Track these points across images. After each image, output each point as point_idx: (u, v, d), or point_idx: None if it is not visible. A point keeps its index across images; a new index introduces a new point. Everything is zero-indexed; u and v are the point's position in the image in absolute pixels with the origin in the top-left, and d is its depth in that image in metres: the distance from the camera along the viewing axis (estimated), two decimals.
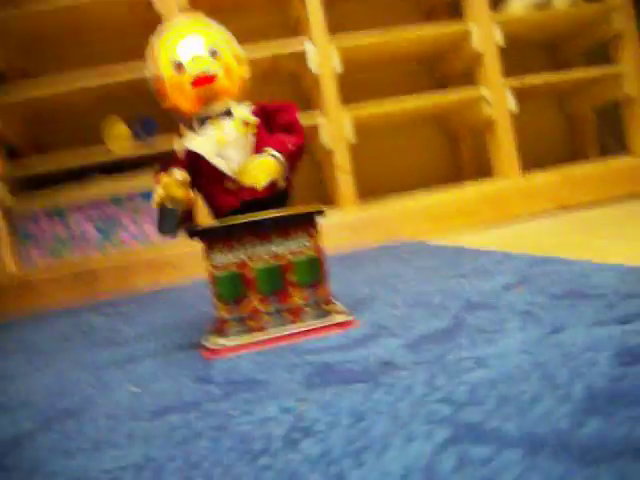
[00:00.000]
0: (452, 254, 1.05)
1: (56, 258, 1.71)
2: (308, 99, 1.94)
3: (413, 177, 2.08)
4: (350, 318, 0.61)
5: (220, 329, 0.60)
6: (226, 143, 0.63)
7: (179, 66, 0.64)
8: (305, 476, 0.29)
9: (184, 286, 1.44)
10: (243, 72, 0.68)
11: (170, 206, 0.59)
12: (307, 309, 0.60)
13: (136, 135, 1.67)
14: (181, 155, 0.66)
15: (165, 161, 0.67)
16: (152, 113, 1.74)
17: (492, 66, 1.76)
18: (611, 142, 2.11)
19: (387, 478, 0.27)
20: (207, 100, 0.64)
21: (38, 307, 1.60)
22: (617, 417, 0.29)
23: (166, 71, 0.65)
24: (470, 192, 1.71)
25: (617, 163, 1.82)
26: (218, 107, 0.65)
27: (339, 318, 0.60)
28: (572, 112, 2.14)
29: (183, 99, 0.65)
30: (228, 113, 0.65)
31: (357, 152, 1.74)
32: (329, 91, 1.72)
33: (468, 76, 1.86)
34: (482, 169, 1.97)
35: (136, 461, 0.34)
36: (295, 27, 1.94)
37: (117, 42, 1.93)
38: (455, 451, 0.28)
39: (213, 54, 0.64)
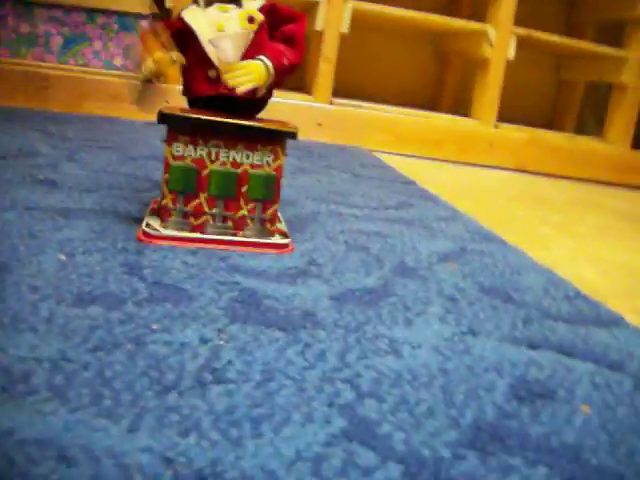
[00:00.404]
0: (405, 189, 1.07)
1: (13, 54, 1.63)
2: None
3: (393, 89, 2.05)
4: (287, 241, 0.62)
5: (161, 216, 0.60)
6: (224, 31, 0.60)
7: None
8: (206, 432, 0.30)
9: (136, 124, 1.41)
10: None
11: (156, 83, 0.58)
12: (250, 223, 0.61)
13: None
14: (176, 21, 0.63)
15: (160, 22, 0.64)
16: None
17: (507, 5, 1.71)
18: (590, 121, 2.12)
19: (278, 459, 0.29)
20: None
21: None
22: (491, 461, 0.31)
23: None
24: (442, 124, 1.71)
25: (587, 144, 1.84)
26: None
27: (278, 239, 0.61)
28: (565, 79, 2.12)
29: None
30: (237, 1, 0.62)
31: (346, 44, 1.69)
32: None
33: (481, 6, 1.81)
34: (460, 103, 1.96)
35: (51, 356, 0.35)
36: None
37: None
38: (344, 449, 0.31)
39: None
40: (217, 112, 0.61)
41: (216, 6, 0.61)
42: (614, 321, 0.56)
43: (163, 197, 0.59)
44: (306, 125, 1.63)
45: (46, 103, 1.57)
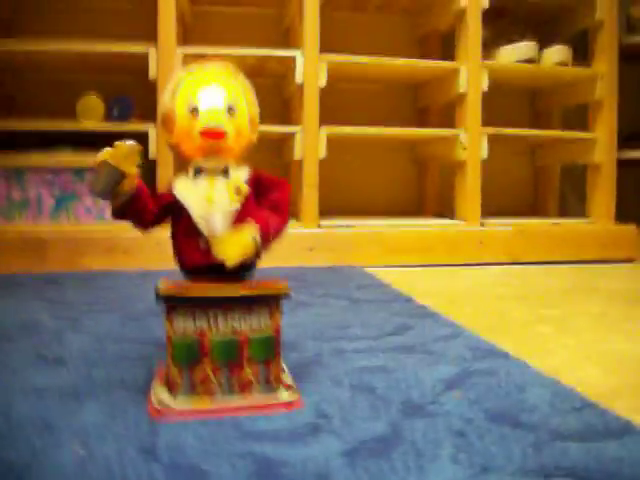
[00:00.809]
0: (403, 308, 1.09)
1: (8, 221, 1.68)
2: (288, 103, 1.95)
3: (377, 198, 2.12)
4: (296, 397, 0.63)
5: (170, 389, 0.61)
6: (214, 202, 0.64)
7: (194, 111, 0.64)
8: None
9: (130, 275, 1.44)
10: (253, 137, 0.68)
11: (112, 165, 0.61)
12: (256, 384, 0.62)
13: (110, 114, 1.65)
14: (167, 194, 0.67)
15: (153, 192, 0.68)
16: (131, 95, 1.73)
17: (473, 109, 1.80)
18: (572, 200, 2.18)
19: None
20: (210, 153, 0.65)
21: None
22: None
23: (180, 110, 0.65)
24: (428, 230, 1.75)
25: (572, 226, 1.88)
26: (217, 163, 0.65)
27: (285, 396, 0.63)
28: (541, 165, 2.20)
29: (188, 143, 0.65)
30: (225, 171, 0.66)
31: (324, 164, 1.76)
32: (310, 104, 1.73)
33: (449, 110, 1.90)
34: (444, 205, 2.02)
35: None
36: (286, 33, 1.95)
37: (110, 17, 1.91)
38: None
39: (230, 111, 0.65)
40: (209, 279, 0.63)
41: (204, 176, 0.65)
42: (624, 429, 0.57)
43: (169, 370, 0.61)
44: (298, 251, 1.67)
45: (43, 264, 1.61)
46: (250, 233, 0.61)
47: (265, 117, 1.90)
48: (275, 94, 2.04)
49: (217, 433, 0.56)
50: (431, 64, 1.85)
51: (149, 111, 1.69)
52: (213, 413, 0.61)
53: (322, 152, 1.73)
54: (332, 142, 1.74)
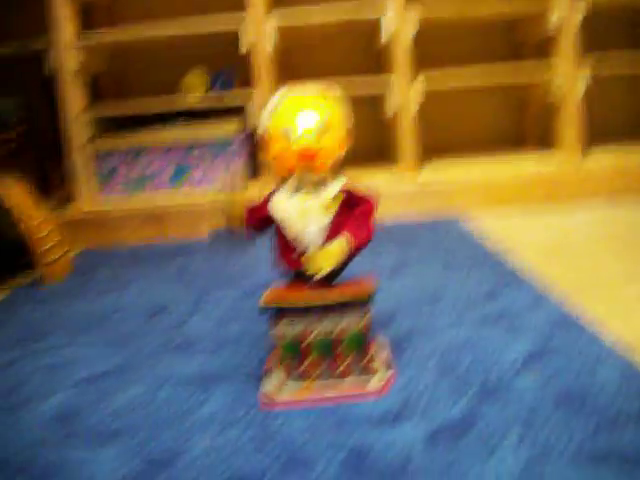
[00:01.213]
0: (494, 271, 1.16)
1: (130, 196, 1.85)
2: (379, 56, 1.98)
3: (475, 139, 2.13)
4: (386, 379, 0.74)
5: (277, 381, 0.74)
6: (307, 217, 0.74)
7: (289, 132, 0.72)
8: None
9: None
10: (342, 152, 0.76)
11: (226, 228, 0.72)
12: (349, 375, 0.73)
13: (214, 87, 1.76)
14: (265, 205, 0.77)
15: (253, 208, 0.78)
16: (233, 68, 1.83)
17: (569, 44, 1.76)
18: None
19: None
20: (304, 170, 0.73)
21: (110, 241, 1.76)
22: None
23: (277, 130, 0.73)
24: (528, 171, 1.77)
25: None
26: (311, 179, 0.74)
27: (376, 382, 0.73)
28: None
29: (285, 161, 0.74)
30: (319, 184, 0.74)
31: (421, 109, 1.79)
32: (401, 56, 1.76)
33: (545, 46, 1.87)
34: (544, 138, 2.00)
35: None
36: None
37: None
38: None
39: (323, 133, 0.72)
40: (307, 280, 0.74)
41: (301, 195, 0.74)
42: None
43: (277, 367, 0.73)
44: (397, 202, 1.75)
45: (165, 235, 1.77)
46: (339, 247, 0.71)
47: (359, 68, 1.93)
48: (367, 45, 2.06)
49: (316, 421, 0.68)
50: (522, 6, 1.81)
51: (250, 79, 1.79)
52: (313, 402, 0.72)
53: (417, 103, 1.77)
54: (428, 88, 1.77)
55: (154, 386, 0.81)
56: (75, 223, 1.77)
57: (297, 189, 0.75)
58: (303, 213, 0.74)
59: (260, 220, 0.77)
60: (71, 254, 1.53)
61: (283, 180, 0.77)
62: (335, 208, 0.74)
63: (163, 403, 0.76)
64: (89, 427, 0.71)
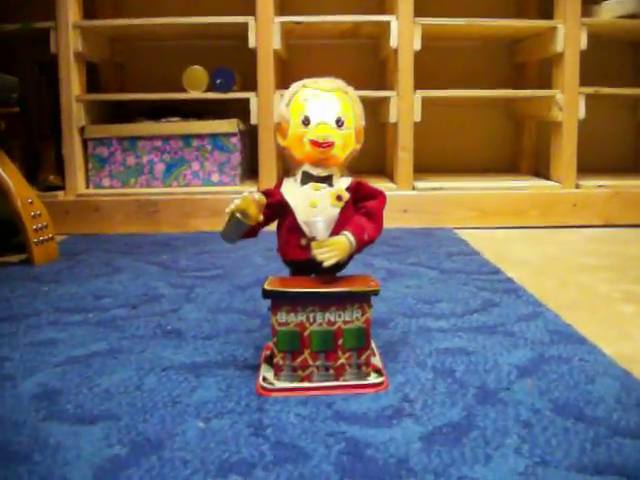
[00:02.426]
0: (490, 281, 1.15)
1: (123, 185, 1.83)
2: (384, 64, 1.98)
3: (472, 157, 2.14)
4: (382, 380, 0.72)
5: (274, 371, 0.72)
6: (316, 207, 0.73)
7: (306, 121, 0.73)
8: None
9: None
10: (357, 147, 0.76)
11: (240, 217, 0.70)
12: (349, 368, 0.72)
13: (214, 85, 1.75)
14: (277, 191, 0.76)
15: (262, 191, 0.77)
16: (232, 63, 1.82)
17: (571, 69, 1.78)
18: None
19: None
20: (318, 160, 0.73)
21: (101, 228, 1.74)
22: None
23: (294, 118, 0.74)
24: (524, 192, 1.78)
25: None
26: (323, 171, 0.74)
27: (374, 379, 0.72)
28: None
29: (299, 149, 0.74)
30: (329, 178, 0.74)
31: (420, 123, 1.79)
32: (405, 68, 1.76)
33: (547, 66, 1.88)
34: (540, 162, 2.01)
35: None
36: None
37: None
38: None
39: (339, 123, 0.73)
40: (308, 275, 0.73)
41: (311, 185, 0.74)
42: None
43: (275, 356, 0.71)
44: (392, 213, 1.74)
45: (157, 226, 1.76)
46: (347, 239, 0.70)
47: (361, 78, 1.97)
48: (371, 54, 2.07)
49: (313, 412, 0.66)
50: (528, 23, 1.83)
51: (250, 78, 1.78)
52: (310, 392, 0.70)
53: (417, 116, 1.77)
54: (427, 102, 1.78)
55: (142, 371, 0.79)
56: (66, 207, 1.75)
57: (306, 181, 0.74)
58: (313, 203, 0.73)
59: (270, 207, 0.75)
60: (61, 237, 1.51)
61: (293, 170, 0.76)
62: (346, 199, 0.73)
63: (152, 388, 0.74)
64: (72, 408, 0.69)
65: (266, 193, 0.76)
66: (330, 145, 0.72)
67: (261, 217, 0.72)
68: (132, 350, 0.86)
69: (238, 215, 0.70)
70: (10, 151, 1.60)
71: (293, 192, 0.75)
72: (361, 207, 0.75)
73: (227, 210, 0.71)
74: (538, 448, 0.58)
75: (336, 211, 0.73)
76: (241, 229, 0.71)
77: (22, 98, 1.40)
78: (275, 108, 1.69)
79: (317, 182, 0.74)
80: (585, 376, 0.74)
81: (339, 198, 0.73)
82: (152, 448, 0.60)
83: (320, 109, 0.73)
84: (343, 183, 0.75)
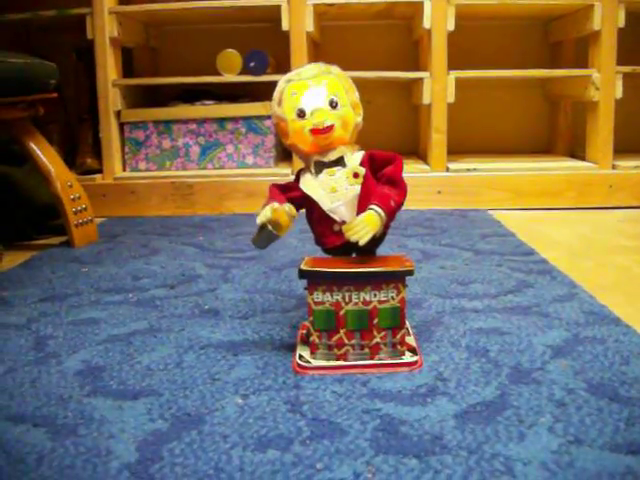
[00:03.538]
0: (525, 262, 1.15)
1: (159, 168, 1.86)
2: (417, 44, 1.97)
3: (507, 138, 2.12)
4: (416, 359, 0.73)
5: (310, 349, 0.73)
6: (337, 191, 0.74)
7: (301, 113, 0.74)
8: None
9: None
10: (358, 119, 0.77)
11: (271, 229, 0.72)
12: (384, 347, 0.73)
13: (248, 68, 1.76)
14: (296, 185, 0.77)
15: (283, 185, 0.78)
16: (265, 46, 1.83)
17: (608, 48, 1.75)
18: None
19: None
20: (323, 147, 0.74)
21: (137, 211, 1.77)
22: None
23: (289, 114, 0.75)
24: (558, 173, 1.76)
25: None
26: (333, 155, 0.75)
27: (408, 357, 0.73)
28: None
29: (302, 142, 0.75)
30: (341, 161, 0.75)
31: (454, 104, 1.79)
32: (438, 49, 1.75)
33: (583, 44, 1.85)
34: (576, 143, 1.99)
35: None
36: None
37: None
38: None
39: (332, 105, 0.74)
40: (345, 256, 0.74)
41: (325, 171, 0.75)
42: None
43: (311, 334, 0.73)
44: (427, 194, 1.74)
45: (192, 208, 1.78)
46: (375, 212, 0.71)
47: (394, 59, 1.96)
48: (405, 35, 2.06)
49: (349, 390, 0.68)
50: (563, 2, 1.80)
51: (283, 60, 1.79)
52: (346, 369, 0.72)
53: (451, 97, 1.76)
54: (461, 83, 1.77)
55: (181, 349, 0.81)
56: (103, 190, 1.78)
57: (319, 170, 0.75)
58: (333, 188, 0.74)
59: (293, 201, 0.76)
60: (99, 220, 1.54)
61: (306, 164, 0.77)
62: (363, 174, 0.73)
63: (191, 365, 0.76)
64: (115, 384, 0.71)
65: (286, 187, 0.77)
66: (330, 128, 0.73)
67: (291, 226, 0.73)
68: (171, 329, 0.88)
69: (270, 227, 0.71)
70: (49, 135, 1.64)
71: (311, 184, 0.76)
72: (380, 176, 0.75)
73: (258, 222, 0.72)
74: (572, 427, 0.59)
75: (357, 188, 0.74)
76: (272, 239, 0.72)
77: (60, 83, 1.43)
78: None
79: (330, 167, 0.74)
80: (620, 357, 0.74)
81: (356, 175, 0.74)
82: (192, 423, 0.62)
83: (311, 98, 0.74)
84: (355, 159, 0.75)
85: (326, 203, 0.74)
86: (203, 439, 0.59)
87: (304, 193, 0.75)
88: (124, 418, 0.63)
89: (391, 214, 0.73)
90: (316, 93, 0.74)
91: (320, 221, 0.75)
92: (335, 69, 0.77)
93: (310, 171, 0.76)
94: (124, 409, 0.65)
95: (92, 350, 0.81)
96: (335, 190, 0.74)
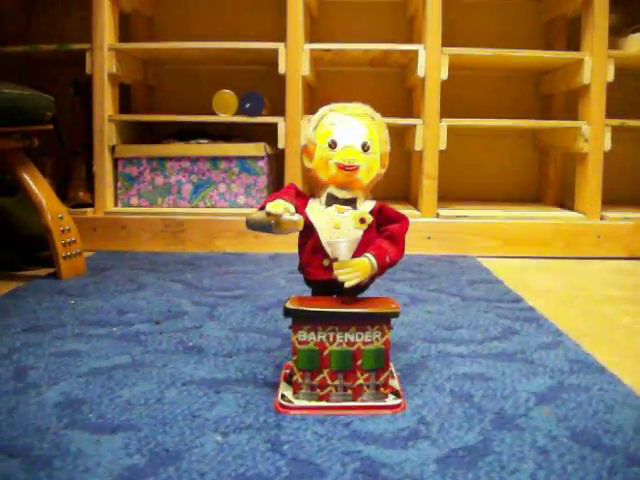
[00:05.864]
0: (511, 309, 1.15)
1: (151, 204, 1.86)
2: (411, 91, 2.00)
3: (497, 186, 2.14)
4: (400, 402, 0.73)
5: (293, 389, 0.73)
6: (340, 229, 0.74)
7: (333, 144, 0.74)
8: None
9: (260, 259, 1.58)
10: (381, 172, 0.78)
11: (272, 225, 0.71)
12: (367, 389, 0.72)
13: (243, 109, 1.78)
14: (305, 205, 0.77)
15: (299, 192, 0.78)
16: (261, 88, 1.85)
17: (597, 101, 1.78)
18: None
19: None
20: (342, 183, 0.75)
21: (127, 246, 1.77)
22: None
23: (321, 141, 0.75)
24: (547, 223, 1.77)
25: None
26: (348, 193, 0.75)
27: (392, 401, 0.72)
28: None
29: (324, 171, 0.76)
30: (353, 202, 0.75)
31: (446, 152, 1.81)
32: (431, 97, 1.78)
33: (574, 96, 1.88)
34: (565, 193, 2.01)
35: None
36: (410, 22, 1.99)
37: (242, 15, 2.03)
38: None
39: (365, 148, 0.75)
40: (329, 295, 0.74)
41: (335, 206, 0.75)
42: None
43: (294, 374, 0.72)
44: (417, 240, 1.75)
45: (182, 245, 1.78)
46: (369, 260, 0.71)
47: (388, 106, 1.98)
48: (399, 82, 2.10)
49: (330, 431, 0.67)
50: (554, 55, 1.84)
51: (278, 103, 1.81)
52: (328, 410, 0.71)
53: (442, 144, 1.78)
54: (453, 131, 1.79)
55: (163, 385, 0.80)
56: (94, 224, 1.78)
57: (330, 203, 0.76)
58: (337, 224, 0.74)
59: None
60: (88, 253, 1.53)
61: (318, 192, 0.78)
62: (369, 222, 0.74)
63: (172, 401, 0.75)
64: (94, 417, 0.70)
65: (299, 195, 0.78)
66: (355, 168, 0.74)
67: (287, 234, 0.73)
68: (154, 364, 0.87)
69: (272, 222, 0.71)
70: (42, 167, 1.64)
71: (318, 213, 0.76)
72: (384, 230, 0.76)
73: (267, 209, 0.70)
74: (554, 475, 0.58)
75: (359, 233, 0.74)
76: (266, 231, 0.72)
77: (56, 116, 1.44)
78: (303, 133, 1.72)
79: (341, 204, 0.75)
80: (604, 405, 0.74)
81: (362, 221, 0.74)
82: (170, 459, 0.61)
83: (347, 133, 0.75)
84: (367, 206, 0.76)
85: (326, 235, 0.74)
86: (180, 476, 0.58)
87: (307, 220, 0.75)
88: (101, 452, 0.62)
89: (382, 269, 0.73)
90: (354, 131, 0.75)
91: (313, 251, 0.75)
92: (378, 117, 0.78)
93: (320, 200, 0.76)
94: (101, 443, 0.64)
95: (72, 382, 0.80)
96: (338, 227, 0.74)
